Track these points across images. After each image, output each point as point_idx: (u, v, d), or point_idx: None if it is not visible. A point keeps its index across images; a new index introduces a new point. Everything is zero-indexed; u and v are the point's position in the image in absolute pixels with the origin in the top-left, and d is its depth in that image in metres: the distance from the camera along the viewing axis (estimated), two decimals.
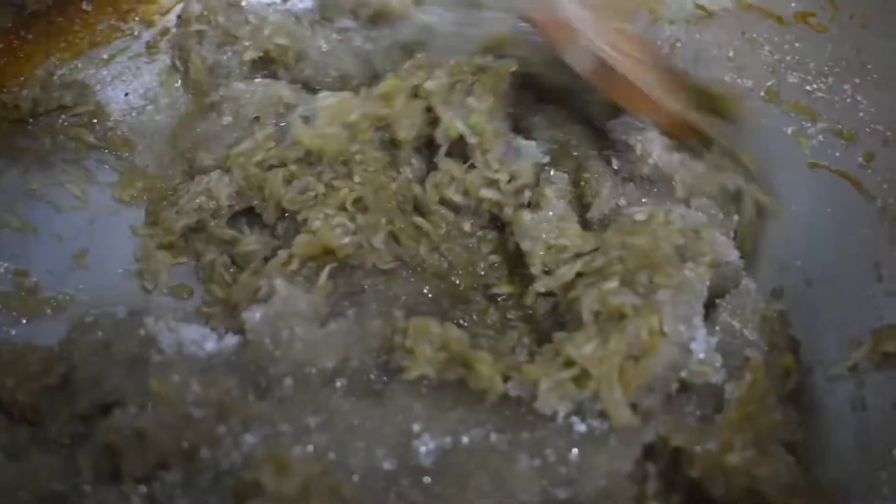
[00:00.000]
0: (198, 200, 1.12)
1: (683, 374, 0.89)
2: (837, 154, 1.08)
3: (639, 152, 1.08)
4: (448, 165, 1.07)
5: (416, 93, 1.07)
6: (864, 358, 0.94)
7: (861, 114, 1.07)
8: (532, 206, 1.06)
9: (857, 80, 1.08)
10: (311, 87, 1.25)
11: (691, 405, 0.90)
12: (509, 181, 1.06)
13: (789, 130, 1.13)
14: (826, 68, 1.12)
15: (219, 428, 0.83)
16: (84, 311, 1.01)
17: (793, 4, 1.14)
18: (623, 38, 1.14)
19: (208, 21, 1.25)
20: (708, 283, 0.93)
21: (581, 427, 0.87)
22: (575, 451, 0.85)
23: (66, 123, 1.18)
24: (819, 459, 0.91)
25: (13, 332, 1.03)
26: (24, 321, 1.04)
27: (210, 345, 0.96)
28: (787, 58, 1.16)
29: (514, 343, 0.95)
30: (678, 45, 1.24)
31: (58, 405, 0.94)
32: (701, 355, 0.89)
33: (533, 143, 1.11)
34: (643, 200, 1.07)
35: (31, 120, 1.16)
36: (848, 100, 1.09)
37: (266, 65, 1.26)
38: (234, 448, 0.83)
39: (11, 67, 1.15)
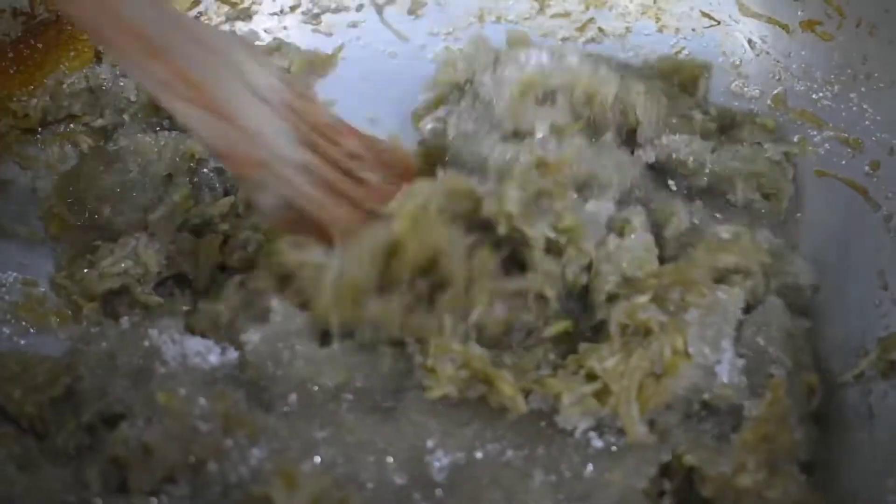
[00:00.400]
0: (123, 265, 1.06)
1: (706, 396, 0.88)
2: (843, 162, 1.09)
3: (691, 165, 1.07)
4: (547, 266, 0.96)
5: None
6: (870, 366, 0.94)
7: (867, 122, 1.07)
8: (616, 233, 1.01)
9: (864, 89, 1.08)
10: None
11: (709, 422, 0.89)
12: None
13: (795, 138, 1.13)
14: (832, 77, 1.12)
15: (226, 441, 0.84)
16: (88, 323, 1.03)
17: (799, 13, 1.14)
18: (354, 181, 1.00)
19: None
20: (742, 306, 0.92)
21: (598, 443, 0.87)
22: (590, 466, 0.85)
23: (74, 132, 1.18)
24: (825, 468, 0.91)
25: (22, 342, 1.03)
26: (33, 331, 1.05)
27: (213, 357, 0.96)
28: (793, 66, 1.16)
29: (539, 360, 0.93)
30: (684, 53, 1.24)
31: (63, 416, 0.94)
32: (725, 379, 0.88)
33: (601, 202, 1.03)
34: (717, 216, 1.06)
35: (40, 129, 1.17)
36: (854, 108, 1.09)
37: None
38: (241, 462, 0.83)
39: (21, 76, 1.15)
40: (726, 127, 1.16)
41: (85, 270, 1.09)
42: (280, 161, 0.92)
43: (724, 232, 1.00)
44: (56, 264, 1.13)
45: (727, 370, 0.88)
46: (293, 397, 0.91)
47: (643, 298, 0.90)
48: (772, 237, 1.03)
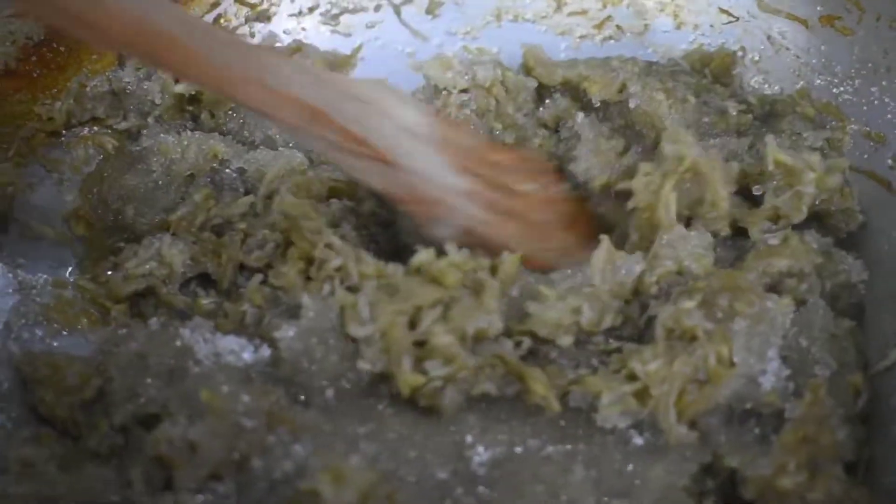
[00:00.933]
0: (148, 266, 1.06)
1: (748, 405, 0.88)
2: (866, 156, 1.10)
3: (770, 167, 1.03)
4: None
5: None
6: None
7: (889, 116, 1.08)
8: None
9: (885, 83, 1.09)
10: (242, 141, 1.21)
11: (751, 423, 0.89)
12: None
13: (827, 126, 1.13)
14: (853, 71, 1.13)
15: (269, 438, 0.84)
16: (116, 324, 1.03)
17: (818, 8, 1.15)
18: (514, 196, 1.04)
19: None
20: (791, 316, 0.92)
21: (639, 440, 0.87)
22: (631, 463, 0.85)
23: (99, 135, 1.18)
24: (869, 465, 0.91)
25: (55, 344, 1.03)
26: (65, 333, 1.04)
27: (247, 355, 0.96)
28: (813, 61, 1.17)
29: (581, 360, 0.93)
30: (703, 48, 1.25)
31: (95, 418, 0.94)
32: (768, 387, 0.88)
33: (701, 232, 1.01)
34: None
35: (64, 132, 1.16)
36: (876, 102, 1.10)
37: (191, 103, 1.21)
38: (284, 457, 0.83)
39: (44, 79, 1.15)
40: (766, 116, 1.16)
41: (109, 273, 1.09)
42: (450, 193, 0.97)
43: (772, 238, 1.00)
44: (78, 266, 1.13)
45: (771, 380, 0.88)
46: (330, 392, 0.91)
47: (690, 304, 0.89)
48: (819, 236, 1.02)
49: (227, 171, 1.15)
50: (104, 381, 0.95)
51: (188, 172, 1.13)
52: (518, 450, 0.86)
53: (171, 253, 1.06)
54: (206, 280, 1.10)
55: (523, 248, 0.97)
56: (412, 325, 0.89)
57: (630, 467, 0.85)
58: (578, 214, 1.12)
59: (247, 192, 1.14)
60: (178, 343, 0.95)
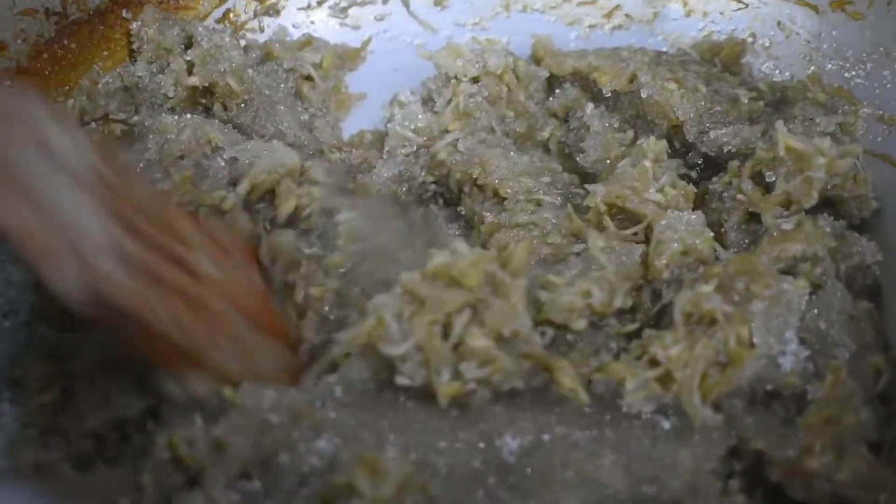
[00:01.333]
0: None
1: (769, 387, 0.89)
2: (879, 139, 1.10)
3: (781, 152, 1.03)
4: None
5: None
6: None
7: None
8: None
9: None
10: (244, 132, 1.19)
11: (775, 406, 0.90)
12: None
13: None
14: (864, 55, 1.13)
15: (293, 433, 0.83)
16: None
17: None
18: (191, 275, 0.85)
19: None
20: (807, 297, 0.93)
21: (665, 424, 0.88)
22: (659, 447, 0.86)
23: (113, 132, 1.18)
24: (893, 445, 0.91)
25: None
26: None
27: None
28: (825, 46, 1.17)
29: (600, 345, 0.94)
30: (713, 36, 1.25)
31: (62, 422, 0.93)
32: (788, 368, 0.89)
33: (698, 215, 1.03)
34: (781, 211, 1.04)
35: None
36: (888, 85, 1.11)
37: (203, 95, 1.20)
38: (309, 453, 0.82)
39: (56, 77, 1.15)
40: (778, 103, 1.16)
41: None
42: (81, 240, 0.76)
43: (786, 223, 1.00)
44: None
45: (791, 361, 0.89)
46: (338, 390, 0.89)
47: (708, 288, 0.90)
48: (831, 220, 1.03)
49: (218, 158, 1.11)
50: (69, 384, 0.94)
51: (179, 153, 1.10)
52: (546, 437, 0.86)
53: None
54: None
55: (188, 341, 0.83)
56: (444, 332, 0.87)
57: (658, 451, 0.85)
58: (267, 313, 0.95)
59: (231, 183, 1.09)
60: None
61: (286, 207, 1.06)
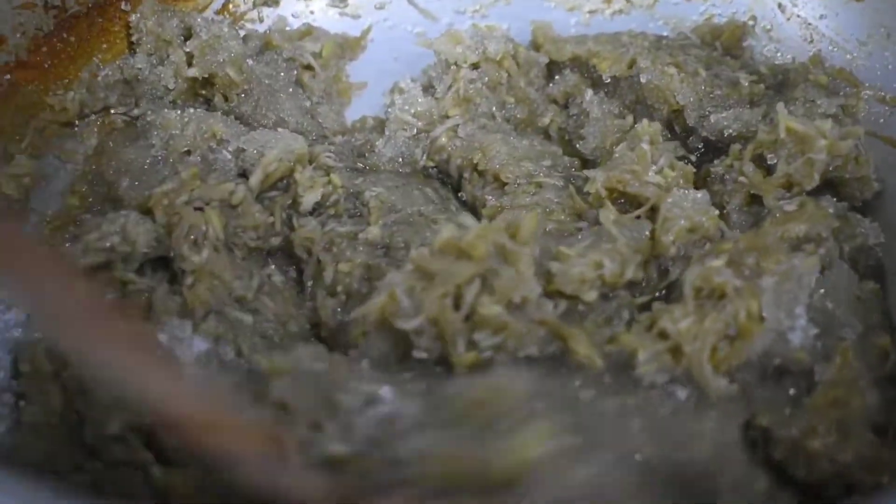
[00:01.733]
0: (109, 241, 0.99)
1: (777, 361, 0.89)
2: (882, 121, 1.10)
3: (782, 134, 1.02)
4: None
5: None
6: None
7: None
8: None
9: None
10: (245, 122, 1.19)
11: (786, 381, 0.89)
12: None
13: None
14: (866, 37, 1.13)
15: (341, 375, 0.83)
16: None
17: None
18: None
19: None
20: (817, 274, 0.92)
21: (681, 394, 0.87)
22: (681, 416, 0.85)
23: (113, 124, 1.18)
24: None
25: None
26: None
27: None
28: (826, 28, 1.17)
29: (612, 313, 0.94)
30: (714, 19, 1.24)
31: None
32: (797, 343, 0.88)
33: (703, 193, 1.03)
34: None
35: (77, 122, 1.16)
36: (890, 66, 1.10)
37: (203, 86, 1.20)
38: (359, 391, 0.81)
39: (56, 70, 1.14)
40: (779, 86, 1.16)
41: (67, 245, 1.02)
42: None
43: (788, 204, 1.00)
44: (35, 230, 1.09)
45: (800, 336, 0.89)
46: (365, 363, 0.89)
47: (718, 262, 0.90)
48: (834, 200, 1.03)
49: (224, 151, 1.11)
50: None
51: (185, 149, 1.11)
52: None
53: (136, 231, 1.00)
54: (157, 262, 1.05)
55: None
56: (455, 304, 0.88)
57: (680, 420, 0.85)
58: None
59: (240, 175, 1.10)
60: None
61: (311, 196, 1.07)
